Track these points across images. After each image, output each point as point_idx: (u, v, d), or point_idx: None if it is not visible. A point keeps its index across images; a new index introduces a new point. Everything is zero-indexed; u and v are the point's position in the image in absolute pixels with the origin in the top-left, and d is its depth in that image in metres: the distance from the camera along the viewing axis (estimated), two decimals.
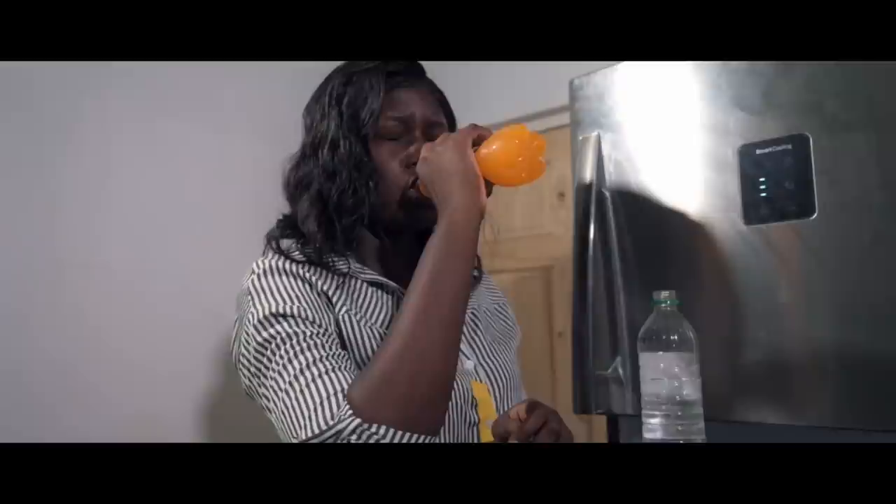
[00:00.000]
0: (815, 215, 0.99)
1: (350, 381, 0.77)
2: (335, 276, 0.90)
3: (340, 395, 0.76)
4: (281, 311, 0.83)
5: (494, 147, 0.85)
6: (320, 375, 0.77)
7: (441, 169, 0.84)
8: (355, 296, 0.90)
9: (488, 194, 0.87)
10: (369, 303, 0.91)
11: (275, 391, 0.80)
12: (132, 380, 1.63)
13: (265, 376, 0.82)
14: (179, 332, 1.71)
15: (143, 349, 1.66)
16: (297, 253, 0.90)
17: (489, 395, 0.93)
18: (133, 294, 1.67)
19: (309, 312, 0.83)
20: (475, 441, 0.89)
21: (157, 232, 1.74)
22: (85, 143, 1.64)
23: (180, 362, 1.72)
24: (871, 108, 0.95)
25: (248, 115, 1.93)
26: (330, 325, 0.84)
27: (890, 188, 0.93)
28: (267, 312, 0.83)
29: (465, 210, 0.82)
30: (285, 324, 0.82)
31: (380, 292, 0.93)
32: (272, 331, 0.82)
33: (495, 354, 0.98)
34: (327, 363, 0.79)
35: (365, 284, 0.92)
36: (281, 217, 0.99)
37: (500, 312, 1.09)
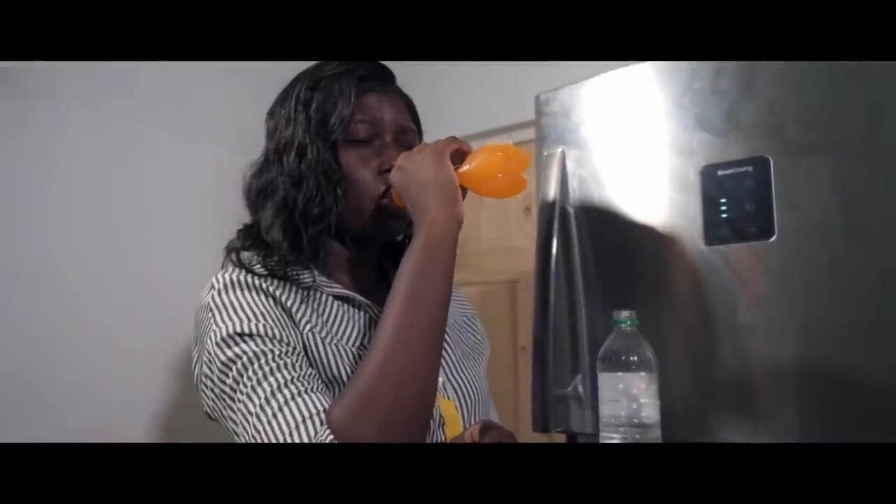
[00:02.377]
0: (775, 238, 0.99)
1: (325, 402, 0.75)
2: (299, 291, 0.87)
3: (317, 418, 0.73)
4: (245, 329, 0.79)
5: (477, 162, 0.84)
6: (293, 397, 0.74)
7: (417, 178, 0.82)
8: (321, 311, 0.87)
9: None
10: (336, 318, 0.88)
11: (244, 415, 0.76)
12: (85, 391, 1.58)
13: (232, 399, 0.78)
14: (136, 341, 1.66)
15: (97, 359, 1.61)
16: (258, 266, 0.87)
17: (457, 412, 0.90)
18: (88, 301, 1.62)
19: (275, 330, 0.80)
20: None
21: (113, 237, 1.69)
22: (38, 144, 1.59)
23: (136, 373, 1.67)
24: (832, 132, 0.96)
25: (211, 118, 1.89)
26: (297, 342, 0.81)
27: (848, 212, 0.94)
28: (230, 331, 0.79)
29: (444, 221, 0.80)
30: (252, 343, 0.78)
31: (346, 306, 0.90)
32: (237, 350, 0.78)
33: (464, 370, 0.96)
34: (299, 384, 0.76)
35: (331, 299, 0.89)
36: (241, 227, 0.96)
37: (469, 326, 1.07)
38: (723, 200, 1.04)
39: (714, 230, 1.04)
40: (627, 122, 1.16)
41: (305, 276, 0.88)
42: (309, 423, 0.73)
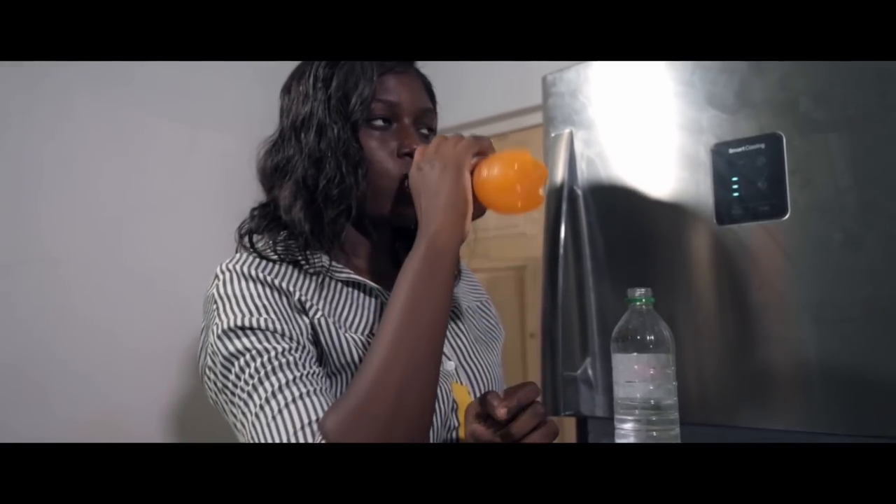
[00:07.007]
0: (788, 216, 0.98)
1: (324, 406, 0.74)
2: (310, 277, 0.86)
3: (311, 428, 0.72)
4: (249, 323, 0.78)
5: (493, 171, 0.81)
6: (292, 401, 0.73)
7: (431, 186, 0.80)
8: (330, 297, 0.86)
9: (481, 214, 0.83)
10: (345, 305, 0.87)
11: (244, 413, 0.75)
12: (89, 385, 1.57)
13: (233, 394, 0.77)
14: (143, 331, 1.66)
15: (101, 352, 1.60)
16: (271, 252, 0.86)
17: (470, 398, 0.89)
18: (91, 292, 1.62)
19: (279, 324, 0.78)
20: None
21: (120, 226, 1.68)
22: (45, 132, 1.57)
23: (144, 363, 1.67)
24: (844, 107, 0.95)
25: (216, 106, 1.87)
26: (302, 336, 0.80)
27: (861, 189, 0.93)
28: (234, 324, 0.78)
29: (448, 235, 0.78)
30: (254, 338, 0.77)
31: (357, 293, 0.89)
32: (240, 345, 0.77)
33: (478, 356, 0.94)
34: (300, 386, 0.74)
35: (341, 285, 0.88)
36: (255, 206, 0.95)
37: (484, 310, 1.05)
38: (734, 179, 1.02)
39: (726, 209, 1.03)
40: (636, 102, 1.14)
41: (318, 260, 0.87)
42: (305, 431, 0.72)
